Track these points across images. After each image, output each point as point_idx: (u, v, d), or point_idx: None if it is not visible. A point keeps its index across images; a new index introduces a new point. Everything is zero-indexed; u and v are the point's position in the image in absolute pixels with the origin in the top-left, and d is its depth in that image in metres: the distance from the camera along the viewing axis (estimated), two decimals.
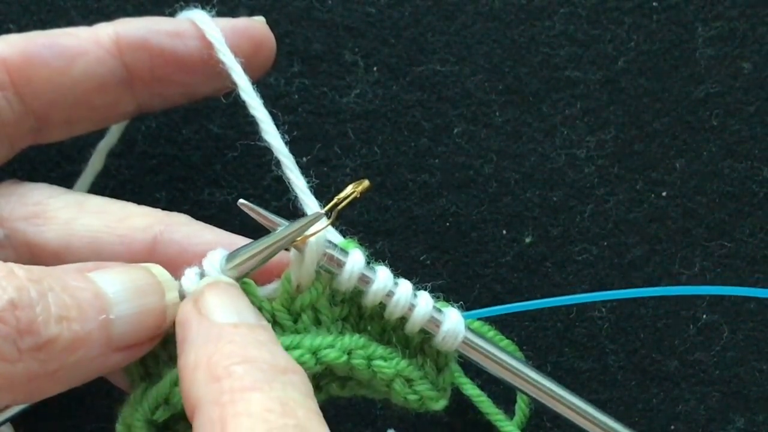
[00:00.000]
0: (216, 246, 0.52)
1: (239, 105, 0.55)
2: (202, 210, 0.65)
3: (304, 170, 0.54)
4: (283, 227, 0.50)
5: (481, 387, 0.62)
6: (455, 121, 0.66)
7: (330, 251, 0.51)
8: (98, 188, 0.64)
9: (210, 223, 0.56)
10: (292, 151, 0.54)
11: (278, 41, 0.59)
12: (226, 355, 0.45)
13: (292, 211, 0.54)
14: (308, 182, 0.53)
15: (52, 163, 0.64)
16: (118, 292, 0.48)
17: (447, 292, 0.57)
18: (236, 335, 0.46)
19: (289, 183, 0.53)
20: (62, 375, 0.46)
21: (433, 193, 0.66)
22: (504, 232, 0.66)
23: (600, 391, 0.65)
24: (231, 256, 0.51)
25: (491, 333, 0.58)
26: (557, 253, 0.66)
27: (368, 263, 0.51)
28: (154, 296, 0.49)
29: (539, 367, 0.59)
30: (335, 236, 0.52)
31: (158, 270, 0.51)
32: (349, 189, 0.51)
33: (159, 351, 0.52)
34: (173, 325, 0.51)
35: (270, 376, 0.44)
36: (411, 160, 0.66)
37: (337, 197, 0.50)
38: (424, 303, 0.51)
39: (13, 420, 0.53)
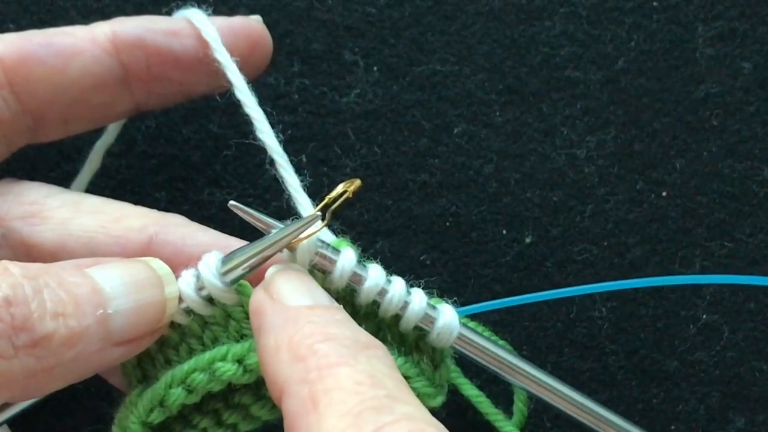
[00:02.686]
0: (211, 248, 0.52)
1: (238, 105, 0.55)
2: (201, 210, 0.65)
3: (304, 170, 0.54)
4: (277, 230, 0.50)
5: (480, 387, 0.62)
6: (455, 121, 0.66)
7: (322, 250, 0.50)
8: (98, 188, 0.64)
9: (209, 223, 0.56)
10: (292, 151, 0.54)
11: (278, 41, 0.60)
12: (307, 335, 0.45)
13: (290, 211, 0.54)
14: (305, 181, 0.53)
15: (49, 162, 0.64)
16: (116, 286, 0.48)
17: (447, 292, 0.57)
18: (313, 316, 0.46)
19: (282, 182, 0.53)
20: (60, 371, 0.46)
21: (433, 193, 0.66)
22: (504, 232, 0.66)
23: (600, 391, 0.65)
24: (226, 259, 0.50)
25: (486, 333, 0.58)
26: (557, 253, 0.66)
27: (361, 262, 0.51)
28: (153, 290, 0.50)
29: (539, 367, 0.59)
30: (327, 235, 0.52)
31: (157, 264, 0.51)
32: (340, 188, 0.50)
33: (156, 353, 0.52)
34: (170, 327, 0.52)
35: (354, 351, 0.44)
36: (411, 160, 0.66)
37: (328, 197, 0.50)
38: (417, 300, 0.51)
39: (10, 422, 0.53)
